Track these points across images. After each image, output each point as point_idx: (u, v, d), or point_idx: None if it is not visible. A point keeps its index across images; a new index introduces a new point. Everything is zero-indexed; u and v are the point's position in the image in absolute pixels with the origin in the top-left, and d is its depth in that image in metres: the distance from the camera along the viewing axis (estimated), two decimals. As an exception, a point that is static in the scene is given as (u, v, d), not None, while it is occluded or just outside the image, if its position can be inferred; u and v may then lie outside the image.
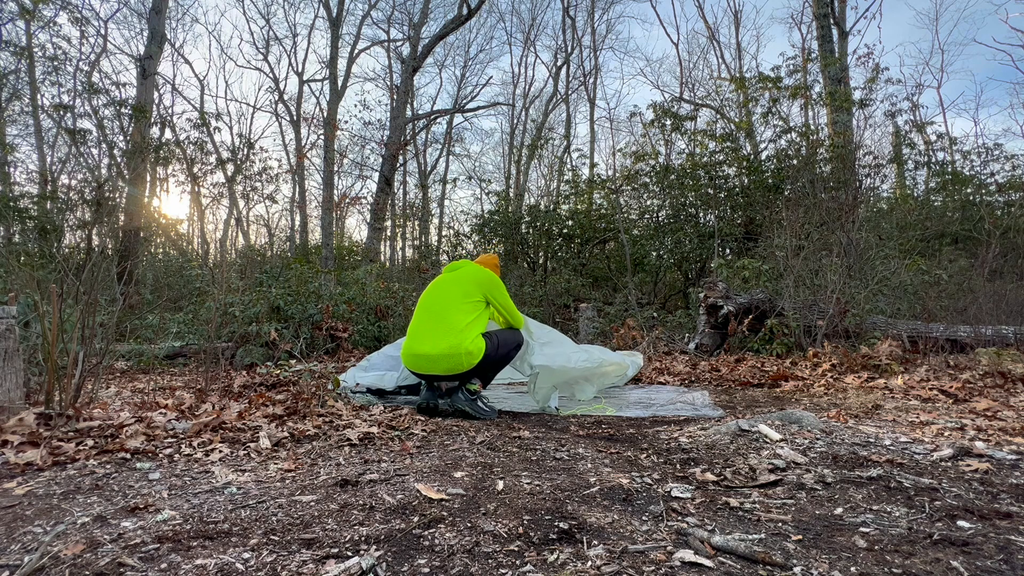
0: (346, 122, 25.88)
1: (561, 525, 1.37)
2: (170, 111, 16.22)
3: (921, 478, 1.71)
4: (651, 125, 11.59)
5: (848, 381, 3.66)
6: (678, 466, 1.94)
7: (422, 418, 2.76)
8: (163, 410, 2.57)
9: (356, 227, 25.61)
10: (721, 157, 10.58)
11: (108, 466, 1.89)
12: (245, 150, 16.77)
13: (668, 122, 11.04)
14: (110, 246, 10.04)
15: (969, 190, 11.02)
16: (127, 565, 1.16)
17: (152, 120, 11.59)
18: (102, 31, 14.79)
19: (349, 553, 1.22)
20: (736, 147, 10.71)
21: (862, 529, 1.35)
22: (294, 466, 1.90)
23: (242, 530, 1.35)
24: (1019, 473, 1.74)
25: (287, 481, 1.75)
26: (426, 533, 1.33)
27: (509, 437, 2.41)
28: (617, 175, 12.42)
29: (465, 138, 23.54)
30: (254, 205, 19.68)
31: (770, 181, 9.67)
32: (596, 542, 1.28)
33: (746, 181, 10.12)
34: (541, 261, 11.74)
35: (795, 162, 9.73)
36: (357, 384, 3.42)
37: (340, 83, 16.19)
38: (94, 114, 10.83)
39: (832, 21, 10.73)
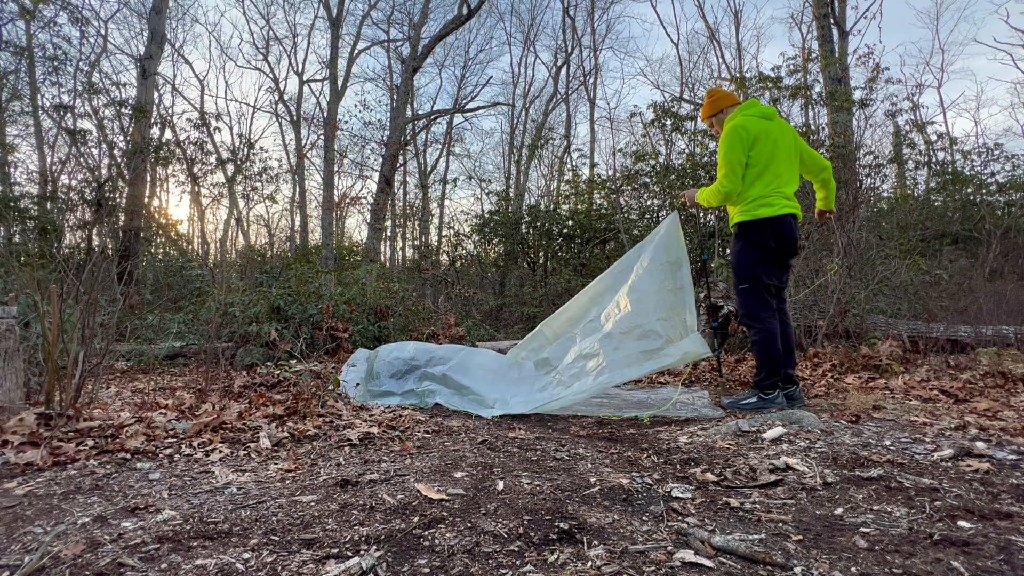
0: (346, 122, 25.96)
1: (561, 525, 1.37)
2: (170, 111, 16.22)
3: (921, 478, 1.71)
4: (651, 125, 11.59)
5: (848, 381, 3.66)
6: (678, 466, 1.93)
7: (423, 418, 2.76)
8: (163, 410, 2.56)
9: (356, 227, 25.65)
10: (721, 157, 10.57)
11: (108, 466, 1.88)
12: (245, 150, 16.79)
13: (668, 122, 11.03)
14: (110, 246, 10.04)
15: (969, 190, 11.02)
16: (127, 565, 1.16)
17: (152, 120, 11.59)
18: (102, 31, 14.79)
19: (349, 553, 1.22)
20: (736, 147, 10.68)
21: (862, 529, 1.35)
22: (294, 466, 1.90)
23: (242, 530, 1.35)
24: (1020, 473, 1.74)
25: (287, 481, 1.75)
26: (426, 533, 1.33)
27: (509, 437, 2.41)
28: (617, 175, 12.40)
29: (465, 138, 23.54)
30: (254, 205, 19.72)
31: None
32: (596, 542, 1.28)
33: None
34: (541, 261, 11.74)
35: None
36: (357, 384, 3.41)
37: (340, 83, 16.19)
38: (94, 114, 10.82)
39: (832, 21, 10.72)
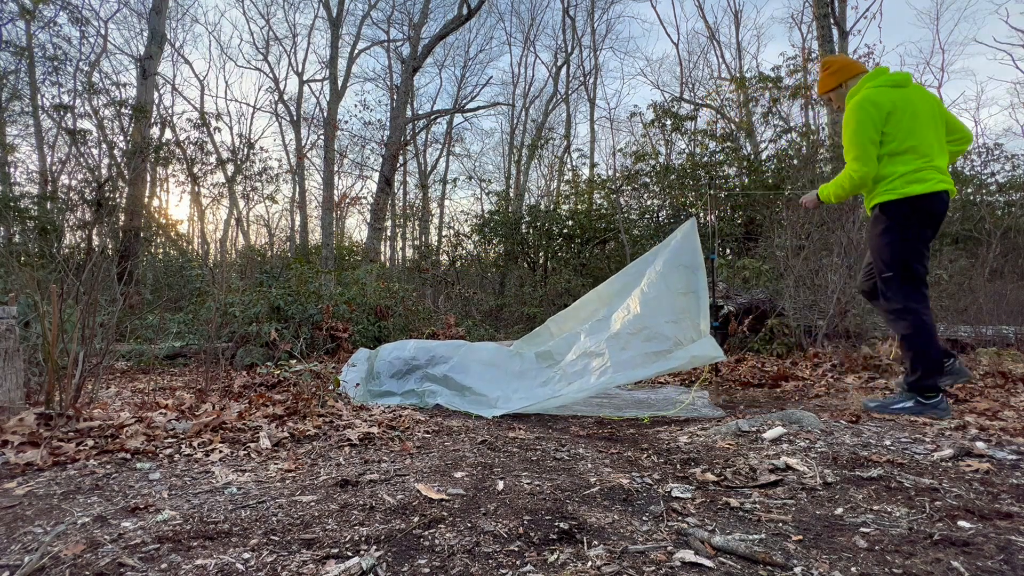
0: (346, 122, 25.94)
1: (561, 525, 1.37)
2: (170, 111, 16.24)
3: (921, 478, 1.71)
4: (651, 125, 11.61)
5: (849, 381, 3.66)
6: (678, 466, 1.93)
7: (423, 418, 2.75)
8: (163, 410, 2.56)
9: (356, 227, 25.66)
10: (721, 157, 10.60)
11: (108, 466, 1.88)
12: (245, 150, 16.80)
13: (668, 122, 11.05)
14: (110, 246, 10.04)
15: (970, 190, 11.02)
16: (127, 565, 1.16)
17: (152, 120, 11.60)
18: (102, 31, 14.81)
19: (349, 553, 1.22)
20: (736, 147, 10.72)
21: (862, 529, 1.35)
22: (294, 466, 1.90)
23: (242, 530, 1.35)
24: (1020, 473, 1.74)
25: (287, 481, 1.75)
26: (426, 533, 1.33)
27: (509, 437, 2.41)
28: (617, 175, 12.41)
29: (465, 138, 23.56)
30: (254, 205, 19.74)
31: (770, 181, 9.68)
32: (596, 542, 1.28)
33: (746, 181, 10.13)
34: (541, 261, 11.74)
35: (796, 162, 9.74)
36: (357, 384, 3.41)
37: (340, 83, 16.19)
38: (94, 114, 10.83)
39: (832, 21, 10.71)
